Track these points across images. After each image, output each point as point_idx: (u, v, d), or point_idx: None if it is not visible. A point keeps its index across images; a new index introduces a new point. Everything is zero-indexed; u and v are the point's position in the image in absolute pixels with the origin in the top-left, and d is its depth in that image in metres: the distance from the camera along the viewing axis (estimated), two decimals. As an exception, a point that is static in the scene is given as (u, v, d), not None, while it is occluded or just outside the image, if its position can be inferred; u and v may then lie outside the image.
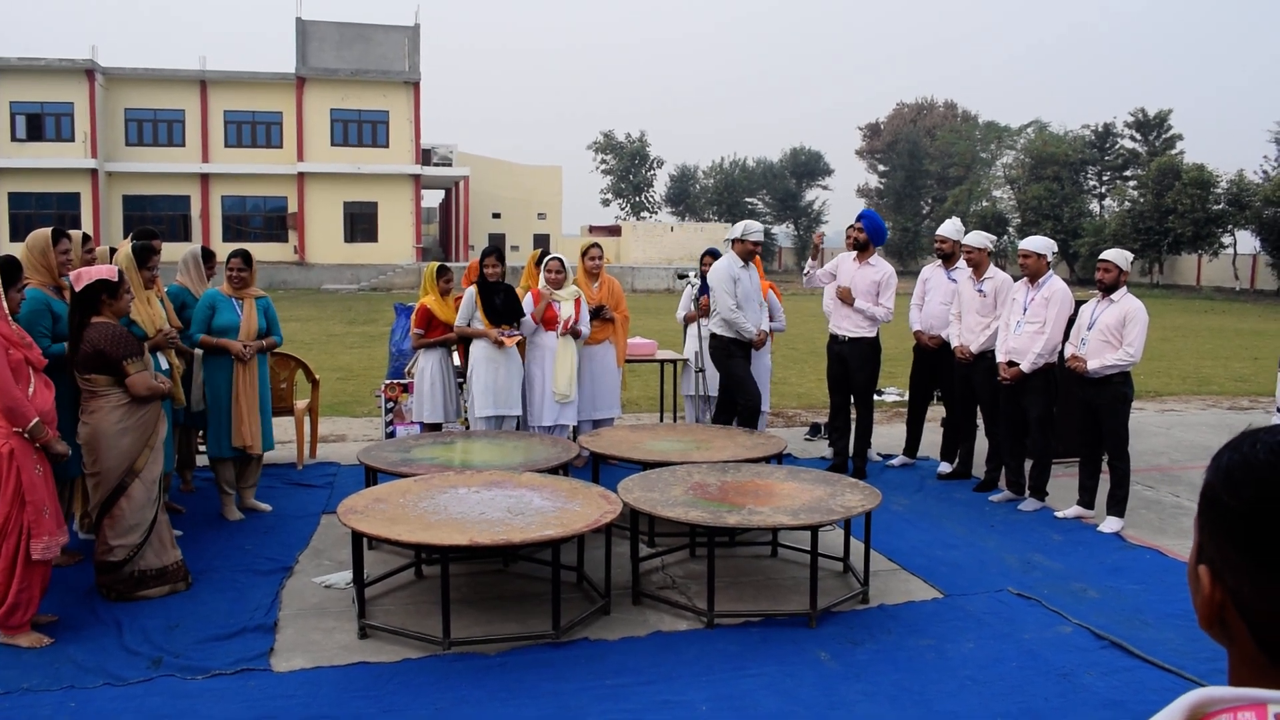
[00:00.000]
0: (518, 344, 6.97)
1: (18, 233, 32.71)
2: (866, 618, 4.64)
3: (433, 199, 48.86)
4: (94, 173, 34.90)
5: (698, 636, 4.38)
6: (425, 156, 39.26)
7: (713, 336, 7.18)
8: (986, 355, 6.86)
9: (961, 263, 7.23)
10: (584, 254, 7.66)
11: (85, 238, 5.51)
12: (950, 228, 7.50)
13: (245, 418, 5.97)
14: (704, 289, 7.62)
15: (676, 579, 5.15)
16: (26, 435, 4.09)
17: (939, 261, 7.56)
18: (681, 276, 7.78)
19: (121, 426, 4.62)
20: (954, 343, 7.04)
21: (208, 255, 6.62)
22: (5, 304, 4.22)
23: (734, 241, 7.16)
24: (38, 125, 35.00)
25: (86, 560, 5.04)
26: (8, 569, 4.08)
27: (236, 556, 5.36)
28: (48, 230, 5.17)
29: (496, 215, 43.44)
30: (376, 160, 37.31)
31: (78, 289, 4.58)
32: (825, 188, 63.27)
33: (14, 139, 34.81)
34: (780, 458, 5.96)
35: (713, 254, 8.01)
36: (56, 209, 34.44)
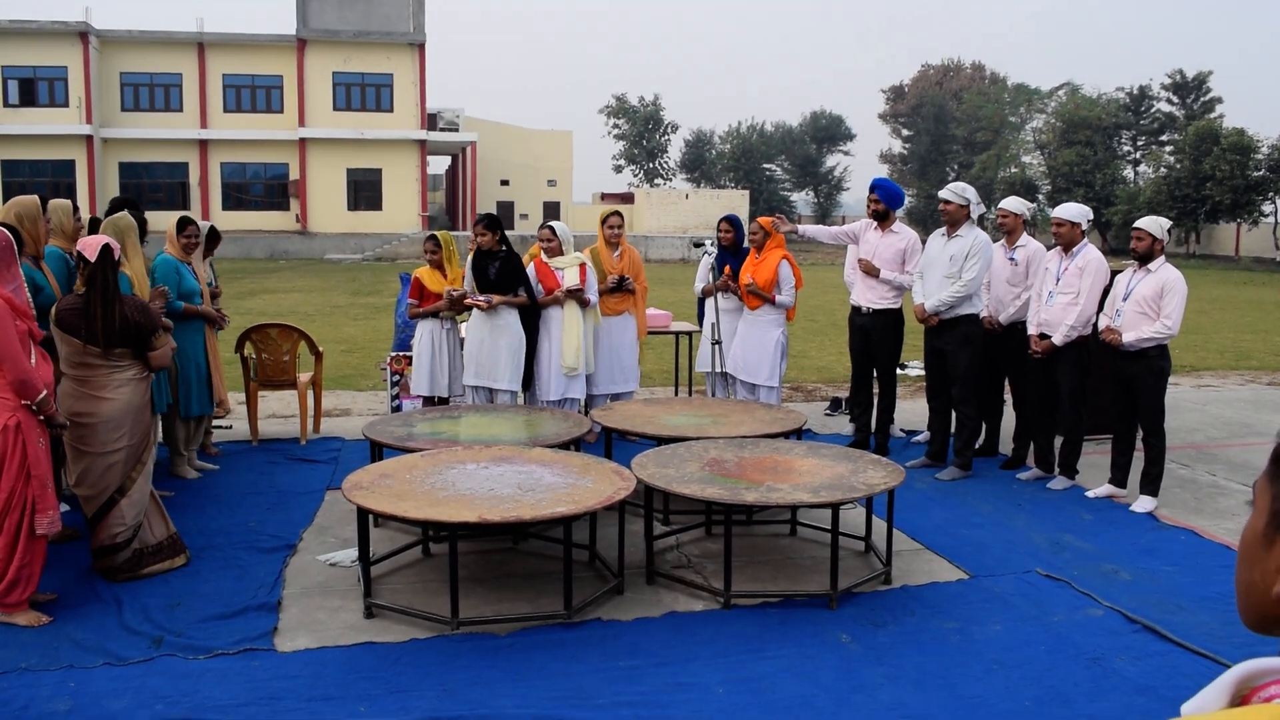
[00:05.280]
0: (523, 315, 6.81)
1: (12, 201, 32.59)
2: (889, 599, 4.55)
3: (439, 165, 48.47)
4: (89, 139, 34.55)
5: (714, 617, 4.31)
6: (431, 121, 38.90)
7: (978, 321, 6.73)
8: (1016, 326, 6.67)
9: (1024, 238, 6.80)
10: (603, 222, 7.48)
11: (74, 207, 5.47)
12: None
13: None
14: (723, 258, 7.40)
15: (692, 558, 5.07)
16: (34, 408, 4.03)
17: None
18: (698, 245, 7.53)
19: (145, 400, 4.63)
20: (983, 314, 6.80)
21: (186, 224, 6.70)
22: (20, 272, 4.15)
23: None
24: (30, 90, 34.58)
25: (85, 537, 4.94)
26: (9, 544, 4.02)
27: (239, 533, 5.29)
28: (34, 198, 5.01)
29: (505, 182, 43.01)
30: (380, 125, 36.94)
31: (107, 258, 4.41)
32: (847, 153, 61.72)
33: (6, 104, 34.41)
34: (800, 433, 5.84)
35: (731, 221, 7.70)
36: (51, 177, 34.06)
